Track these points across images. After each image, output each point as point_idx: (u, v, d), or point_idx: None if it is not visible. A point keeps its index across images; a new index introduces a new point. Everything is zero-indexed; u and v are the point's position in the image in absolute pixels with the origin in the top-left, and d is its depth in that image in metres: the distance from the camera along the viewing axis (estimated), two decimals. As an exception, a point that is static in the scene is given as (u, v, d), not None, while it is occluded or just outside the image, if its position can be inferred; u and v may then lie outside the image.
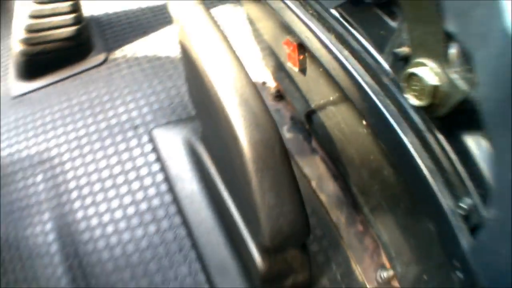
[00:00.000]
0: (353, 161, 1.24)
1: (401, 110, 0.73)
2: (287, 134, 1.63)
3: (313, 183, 1.49)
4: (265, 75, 1.84)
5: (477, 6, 0.47)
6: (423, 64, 0.58)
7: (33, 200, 1.61)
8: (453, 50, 0.54)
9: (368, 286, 1.36)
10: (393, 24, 0.77)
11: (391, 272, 1.30)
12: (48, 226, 1.55)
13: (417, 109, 0.61)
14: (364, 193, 1.32)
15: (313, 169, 1.52)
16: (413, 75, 0.60)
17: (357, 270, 1.37)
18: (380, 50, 0.79)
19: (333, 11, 0.94)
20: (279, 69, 1.66)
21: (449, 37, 0.55)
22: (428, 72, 0.56)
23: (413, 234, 1.16)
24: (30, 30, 1.90)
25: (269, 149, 0.92)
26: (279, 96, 1.74)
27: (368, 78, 0.79)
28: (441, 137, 0.70)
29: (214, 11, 2.15)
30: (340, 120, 1.11)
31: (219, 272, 1.33)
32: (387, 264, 1.34)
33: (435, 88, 0.55)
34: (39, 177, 1.66)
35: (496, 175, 0.62)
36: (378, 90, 0.76)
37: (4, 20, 2.41)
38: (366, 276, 1.36)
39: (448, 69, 0.56)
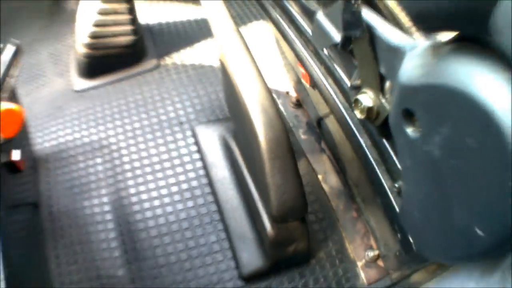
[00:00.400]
0: (349, 159, 1.48)
1: (360, 121, 1.02)
2: (302, 135, 1.84)
3: (320, 176, 1.72)
4: (288, 86, 2.02)
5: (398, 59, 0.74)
6: (365, 92, 0.87)
7: (92, 178, 1.85)
8: (387, 84, 0.81)
9: (357, 262, 1.56)
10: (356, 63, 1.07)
11: (376, 252, 1.52)
12: (105, 199, 1.79)
13: (364, 120, 0.91)
14: (357, 186, 1.55)
15: (320, 165, 1.75)
16: (357, 99, 0.89)
17: (349, 248, 1.58)
18: (348, 80, 1.09)
19: (324, 51, 1.19)
20: (299, 82, 1.84)
21: (382, 76, 0.82)
22: (366, 98, 0.84)
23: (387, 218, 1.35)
24: (94, 36, 2.11)
25: (278, 144, 1.19)
26: (298, 104, 1.93)
27: (341, 98, 1.07)
28: (382, 139, 0.97)
29: (249, 29, 2.36)
30: (338, 127, 1.34)
31: (239, 240, 1.58)
32: (374, 246, 1.55)
33: (370, 108, 0.84)
34: (99, 160, 1.90)
35: (400, 161, 0.88)
36: (347, 107, 1.04)
37: (60, 19, 2.65)
38: (357, 254, 1.57)
39: (381, 96, 0.84)
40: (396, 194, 0.93)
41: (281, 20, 1.40)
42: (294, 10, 1.26)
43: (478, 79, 0.51)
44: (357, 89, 0.89)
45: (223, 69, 1.53)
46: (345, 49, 0.86)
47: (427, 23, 0.65)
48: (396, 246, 1.40)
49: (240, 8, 2.47)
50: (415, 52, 0.63)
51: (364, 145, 0.99)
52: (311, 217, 1.66)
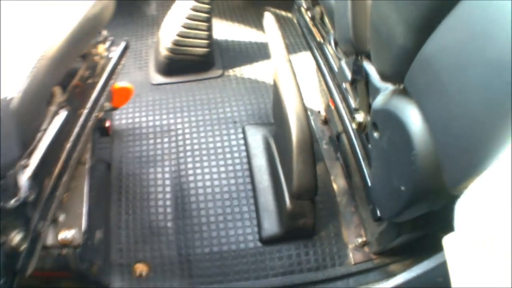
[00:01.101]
0: (354, 168, 1.74)
1: (356, 130, 1.40)
2: (324, 145, 2.13)
3: (332, 177, 2.01)
4: (320, 107, 2.29)
5: (376, 95, 1.15)
6: (359, 113, 1.26)
7: (158, 152, 2.15)
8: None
9: (349, 245, 1.81)
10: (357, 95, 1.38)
11: (364, 239, 1.79)
12: (166, 169, 2.08)
13: (357, 130, 1.29)
14: (357, 188, 1.84)
15: (334, 169, 2.04)
16: (354, 116, 1.28)
17: (344, 233, 1.84)
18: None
19: (343, 85, 1.55)
20: (327, 105, 2.09)
21: (369, 104, 1.18)
22: (359, 116, 1.25)
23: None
24: (176, 44, 2.44)
25: (304, 143, 1.52)
26: (325, 122, 2.21)
27: (349, 116, 1.46)
28: (366, 142, 1.32)
29: (298, 57, 2.65)
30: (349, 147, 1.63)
31: (264, 211, 1.88)
32: (363, 235, 1.81)
33: (360, 122, 1.23)
34: (165, 139, 2.21)
35: (370, 153, 1.21)
36: (351, 122, 1.43)
37: (140, 21, 3.02)
38: (349, 239, 1.83)
39: (368, 115, 1.21)
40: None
41: (319, 59, 1.73)
42: (329, 54, 1.62)
43: (401, 108, 0.93)
44: (356, 110, 1.35)
45: (274, 85, 1.82)
46: (352, 85, 1.33)
47: (390, 78, 1.04)
48: (377, 232, 1.66)
49: (294, 40, 2.79)
50: (384, 92, 1.04)
51: (356, 146, 1.42)
52: (319, 205, 1.90)
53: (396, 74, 0.94)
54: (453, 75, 0.72)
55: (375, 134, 1.09)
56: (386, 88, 1.06)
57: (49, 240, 1.43)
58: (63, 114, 1.34)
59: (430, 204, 0.98)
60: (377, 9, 0.97)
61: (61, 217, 1.48)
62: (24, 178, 1.11)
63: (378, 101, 1.05)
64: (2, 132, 0.97)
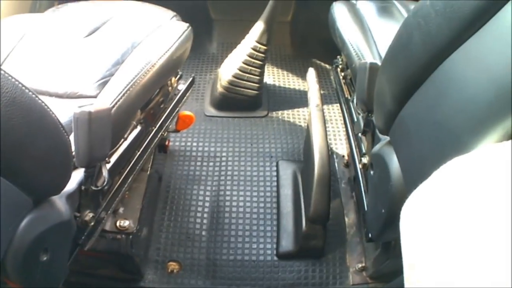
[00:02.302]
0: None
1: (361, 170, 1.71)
2: (343, 185, 2.34)
3: (345, 211, 2.23)
4: (344, 152, 2.51)
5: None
6: (366, 157, 1.60)
7: (203, 173, 2.41)
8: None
9: (350, 269, 2.00)
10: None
11: (363, 264, 1.98)
12: (208, 188, 2.33)
13: (363, 169, 1.62)
14: (364, 223, 1.96)
15: (348, 205, 2.26)
16: (361, 159, 1.62)
17: (348, 258, 2.05)
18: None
19: (359, 135, 1.74)
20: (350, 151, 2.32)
21: None
22: (365, 159, 1.56)
23: (375, 247, 1.85)
24: (231, 83, 2.68)
25: (324, 177, 1.74)
26: (347, 165, 2.41)
27: (359, 160, 1.78)
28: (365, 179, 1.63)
29: (329, 108, 2.85)
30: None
31: (283, 231, 2.11)
32: (364, 261, 2.00)
33: (365, 163, 1.56)
34: (211, 163, 2.47)
35: (368, 187, 1.47)
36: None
37: (202, 58, 3.29)
38: (351, 263, 2.04)
39: None
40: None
41: (345, 112, 2.03)
42: (353, 109, 1.93)
43: (386, 153, 1.23)
44: (364, 155, 1.64)
45: (307, 130, 2.01)
46: (364, 135, 1.66)
47: (383, 131, 1.33)
48: (373, 256, 1.86)
49: (332, 92, 3.00)
50: (381, 142, 1.32)
51: (361, 182, 1.70)
52: (330, 232, 2.09)
53: (385, 129, 1.25)
54: (415, 131, 1.04)
55: (371, 172, 1.40)
56: (384, 139, 1.35)
57: (108, 226, 1.71)
58: (138, 129, 1.61)
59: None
60: (379, 82, 1.29)
61: (121, 209, 1.78)
62: (105, 171, 1.31)
63: (376, 148, 1.35)
64: (103, 131, 1.18)
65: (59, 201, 1.16)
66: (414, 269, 0.61)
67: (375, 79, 1.38)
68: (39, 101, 0.98)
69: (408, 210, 0.70)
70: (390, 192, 1.18)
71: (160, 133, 1.83)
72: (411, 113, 1.08)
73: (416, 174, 1.02)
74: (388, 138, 1.29)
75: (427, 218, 0.63)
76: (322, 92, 2.17)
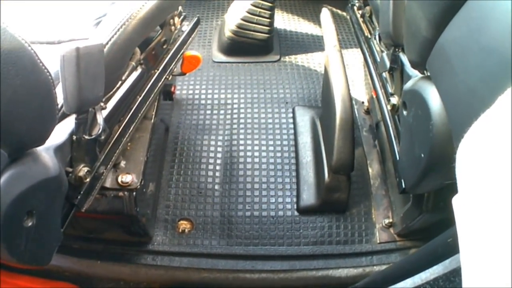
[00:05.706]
0: (388, 155, 1.88)
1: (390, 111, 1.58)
2: (364, 133, 2.25)
3: (368, 162, 2.13)
4: (364, 98, 2.43)
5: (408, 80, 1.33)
6: (394, 97, 1.43)
7: (214, 122, 2.31)
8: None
9: (376, 225, 1.91)
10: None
11: (391, 220, 1.89)
12: (219, 137, 2.23)
13: (391, 110, 1.48)
14: (389, 173, 1.98)
15: (370, 155, 2.16)
16: (389, 99, 1.47)
17: (374, 213, 1.95)
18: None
19: (383, 74, 1.71)
20: (371, 97, 2.24)
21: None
22: (394, 99, 1.40)
23: (404, 201, 1.79)
24: (239, 27, 2.59)
25: (346, 123, 1.67)
26: (367, 112, 2.34)
27: (386, 101, 1.67)
28: (398, 121, 1.50)
29: (348, 51, 2.77)
30: (385, 130, 1.76)
31: (304, 184, 2.00)
32: (391, 217, 1.92)
33: (394, 104, 1.40)
34: (221, 112, 2.37)
35: (400, 129, 1.38)
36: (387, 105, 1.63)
37: (207, 4, 3.18)
38: (377, 219, 1.93)
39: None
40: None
41: (366, 51, 1.90)
42: (374, 47, 1.80)
43: (423, 88, 1.10)
44: (392, 95, 1.53)
45: (325, 72, 1.95)
46: (390, 73, 1.52)
47: (417, 65, 1.19)
48: (402, 211, 1.77)
49: (346, 37, 2.93)
50: (414, 78, 1.21)
51: (390, 127, 1.58)
52: (354, 185, 1.97)
53: (421, 61, 1.11)
54: (458, 59, 0.91)
55: (404, 112, 1.27)
56: (416, 75, 1.23)
57: (108, 183, 1.55)
58: (139, 71, 1.50)
59: (444, 174, 1.12)
60: (408, 8, 1.15)
61: (122, 163, 1.62)
62: (100, 118, 1.21)
63: (408, 85, 1.22)
64: (94, 71, 1.05)
65: (45, 154, 1.01)
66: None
67: (400, 9, 1.29)
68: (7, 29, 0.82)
69: (465, 151, 0.62)
70: (431, 133, 1.06)
71: (164, 77, 1.71)
72: (452, 39, 0.95)
73: (465, 109, 0.89)
74: (419, 74, 1.19)
75: (492, 160, 0.54)
76: (336, 36, 2.03)
